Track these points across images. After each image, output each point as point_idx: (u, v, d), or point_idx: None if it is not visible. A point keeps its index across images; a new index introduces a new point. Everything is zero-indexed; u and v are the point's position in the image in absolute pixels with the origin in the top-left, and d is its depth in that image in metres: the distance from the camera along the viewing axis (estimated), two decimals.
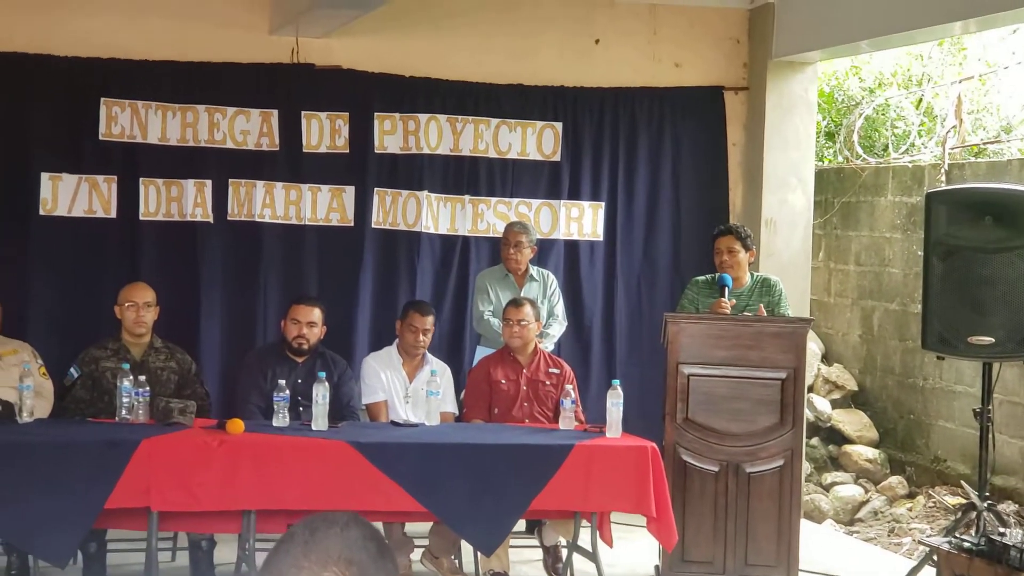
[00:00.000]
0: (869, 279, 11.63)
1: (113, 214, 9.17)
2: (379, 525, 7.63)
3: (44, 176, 9.03)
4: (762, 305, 8.14)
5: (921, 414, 11.07)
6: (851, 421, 11.56)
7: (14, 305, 8.52)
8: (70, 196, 9.07)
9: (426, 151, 9.70)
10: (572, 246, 10.01)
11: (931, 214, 7.75)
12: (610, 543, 7.42)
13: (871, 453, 11.33)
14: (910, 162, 11.51)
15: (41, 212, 9.03)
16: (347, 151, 9.58)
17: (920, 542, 8.86)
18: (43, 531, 6.56)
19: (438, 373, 8.04)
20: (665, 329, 7.80)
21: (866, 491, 11.09)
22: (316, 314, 8.09)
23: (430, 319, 8.32)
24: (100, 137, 9.12)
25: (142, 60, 9.15)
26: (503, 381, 8.22)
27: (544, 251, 9.77)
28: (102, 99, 9.10)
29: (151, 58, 9.17)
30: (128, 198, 9.17)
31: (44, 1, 9.06)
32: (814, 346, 11.66)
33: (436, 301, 9.65)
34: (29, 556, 6.95)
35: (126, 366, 7.42)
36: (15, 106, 9.01)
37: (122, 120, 9.14)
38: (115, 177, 9.15)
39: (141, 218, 9.19)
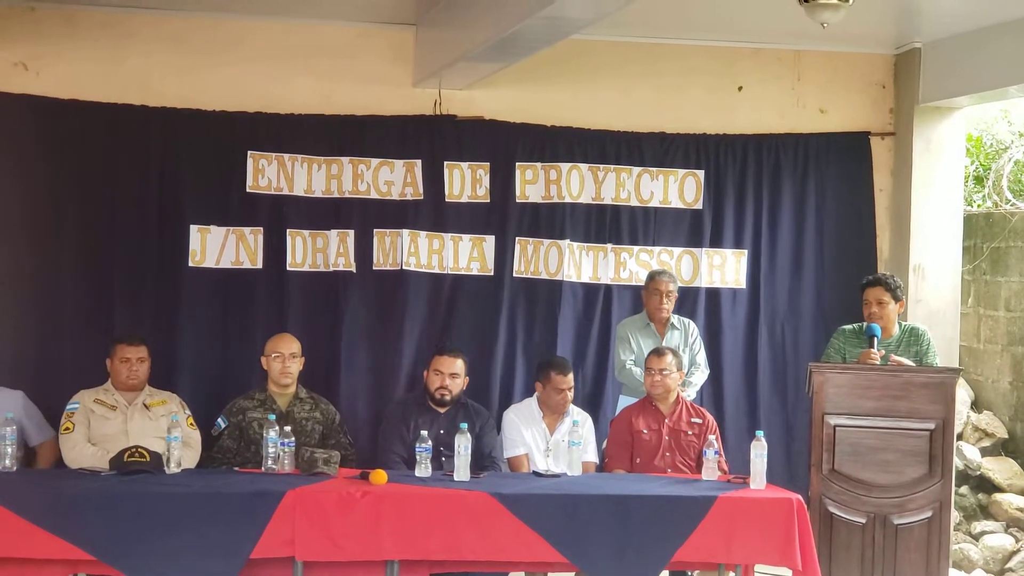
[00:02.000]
0: (1019, 325, 11.39)
1: (260, 265, 9.29)
2: (521, 575, 7.68)
3: (193, 228, 9.18)
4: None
5: None
6: (1001, 469, 11.31)
7: (164, 355, 8.71)
8: (218, 248, 9.21)
9: (568, 200, 9.70)
10: (714, 294, 9.93)
11: None
12: None
13: (1022, 502, 11.07)
14: None
15: (190, 264, 9.17)
16: (488, 200, 9.63)
17: None
18: None
19: (580, 423, 8.03)
20: (810, 379, 7.73)
21: (1017, 540, 10.84)
22: (459, 365, 8.14)
23: (571, 376, 8.35)
24: (247, 189, 9.26)
25: (288, 114, 9.30)
26: (645, 431, 8.18)
27: (686, 299, 9.72)
28: (249, 152, 9.24)
29: (297, 112, 9.32)
30: (274, 249, 9.29)
31: (193, 58, 9.25)
32: (963, 393, 11.45)
33: (578, 350, 9.65)
34: None
35: (272, 417, 7.52)
36: (166, 160, 9.19)
37: (268, 173, 9.27)
38: (261, 229, 9.29)
39: (288, 269, 9.31)
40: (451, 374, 8.10)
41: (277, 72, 9.36)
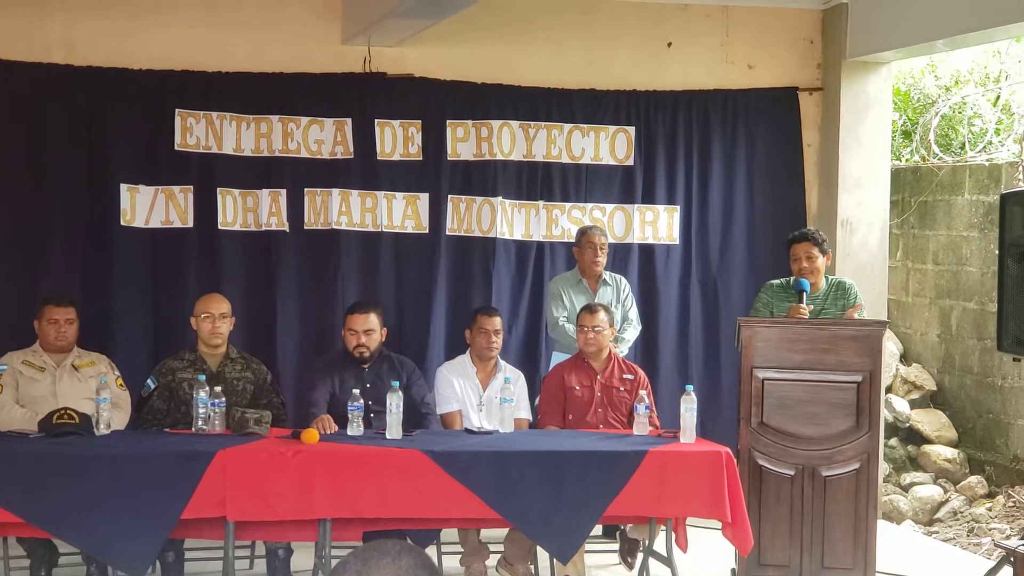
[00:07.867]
0: (947, 278, 11.52)
1: (190, 224, 9.24)
2: (455, 531, 7.71)
3: (123, 187, 9.11)
4: (860, 305, 8.11)
5: (1000, 413, 10.96)
6: (930, 421, 11.46)
7: (95, 316, 8.66)
8: (147, 207, 9.15)
9: (499, 157, 9.70)
10: (647, 250, 9.98)
11: (1006, 215, 7.60)
12: (684, 548, 7.41)
13: (950, 453, 11.22)
14: (987, 160, 11.39)
15: (121, 223, 9.11)
16: (420, 159, 9.60)
17: (997, 544, 8.77)
18: (121, 542, 6.63)
19: (512, 380, 8.03)
20: (739, 333, 7.76)
21: (945, 491, 11.00)
22: (372, 320, 8.02)
23: (498, 319, 8.32)
24: (176, 148, 9.20)
25: (216, 72, 9.23)
26: (577, 387, 8.21)
27: (619, 255, 9.77)
28: (177, 110, 9.17)
29: (225, 69, 9.25)
30: (205, 208, 9.24)
31: (120, 16, 9.17)
32: (892, 346, 11.57)
33: (511, 307, 9.68)
34: (108, 566, 7.05)
35: (202, 377, 7.48)
36: (94, 119, 9.11)
37: (197, 131, 9.21)
38: (191, 188, 9.23)
39: (219, 228, 9.26)
40: (365, 331, 7.95)
41: (205, 30, 9.29)
